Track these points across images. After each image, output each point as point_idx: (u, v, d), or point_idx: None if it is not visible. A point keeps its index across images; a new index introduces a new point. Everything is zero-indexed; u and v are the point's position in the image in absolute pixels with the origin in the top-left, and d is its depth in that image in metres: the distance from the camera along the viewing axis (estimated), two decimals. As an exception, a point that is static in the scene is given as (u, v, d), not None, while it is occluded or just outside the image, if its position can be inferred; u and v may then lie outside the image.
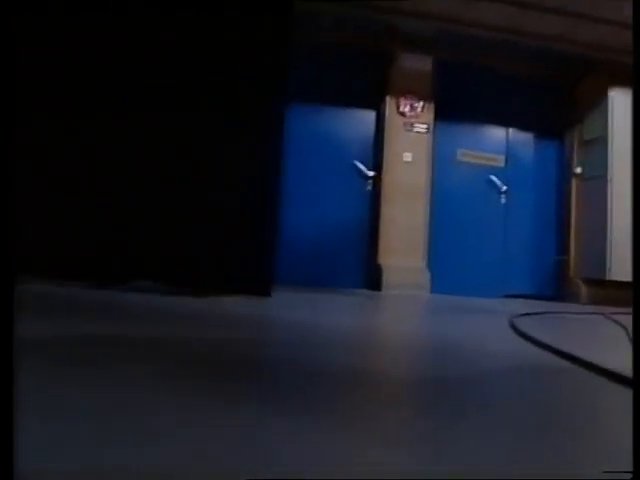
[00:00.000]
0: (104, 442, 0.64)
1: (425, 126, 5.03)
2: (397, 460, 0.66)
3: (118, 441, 0.65)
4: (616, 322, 2.92)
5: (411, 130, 4.99)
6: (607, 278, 4.94)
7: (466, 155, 5.25)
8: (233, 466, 0.60)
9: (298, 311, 2.77)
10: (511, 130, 5.42)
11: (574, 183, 5.50)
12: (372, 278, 4.81)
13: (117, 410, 0.78)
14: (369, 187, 4.98)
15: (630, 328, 2.07)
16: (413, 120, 5.00)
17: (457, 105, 5.11)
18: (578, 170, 5.47)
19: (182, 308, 2.40)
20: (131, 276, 2.93)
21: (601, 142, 5.17)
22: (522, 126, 5.44)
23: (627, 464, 0.36)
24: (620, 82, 4.90)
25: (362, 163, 4.98)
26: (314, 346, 1.59)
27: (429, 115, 5.06)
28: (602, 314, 3.42)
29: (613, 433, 0.86)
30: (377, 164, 4.98)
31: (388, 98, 5.00)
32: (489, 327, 2.48)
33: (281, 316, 2.48)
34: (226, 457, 0.62)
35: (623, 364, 1.19)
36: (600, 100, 5.20)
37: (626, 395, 1.00)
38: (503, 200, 5.29)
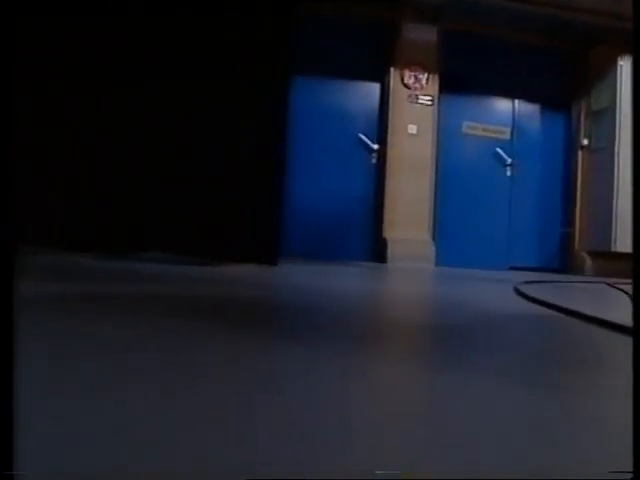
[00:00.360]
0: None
1: (430, 98, 4.99)
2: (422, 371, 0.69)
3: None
4: (620, 290, 2.94)
5: (416, 102, 4.95)
6: (612, 250, 4.94)
7: (472, 127, 5.21)
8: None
9: (306, 277, 2.82)
10: (517, 102, 5.36)
11: (581, 155, 5.46)
12: (377, 251, 4.84)
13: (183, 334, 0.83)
14: (374, 160, 4.97)
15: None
16: (418, 92, 4.96)
17: (462, 76, 5.05)
18: (585, 142, 5.42)
19: (194, 274, 2.46)
20: (141, 247, 2.98)
21: (609, 113, 5.12)
22: (529, 97, 5.38)
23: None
24: (631, 51, 4.81)
25: (367, 136, 4.97)
26: (328, 301, 1.64)
27: (434, 87, 5.01)
28: (606, 283, 3.44)
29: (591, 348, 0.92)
30: (382, 137, 4.96)
31: (392, 70, 4.95)
32: (493, 291, 2.52)
33: (289, 281, 2.54)
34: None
35: (621, 319, 1.23)
36: (609, 69, 5.12)
37: (614, 338, 1.05)
38: (509, 173, 5.26)
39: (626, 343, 1.08)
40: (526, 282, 2.84)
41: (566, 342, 1.16)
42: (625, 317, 1.28)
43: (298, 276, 2.83)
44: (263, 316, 1.32)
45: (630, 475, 0.29)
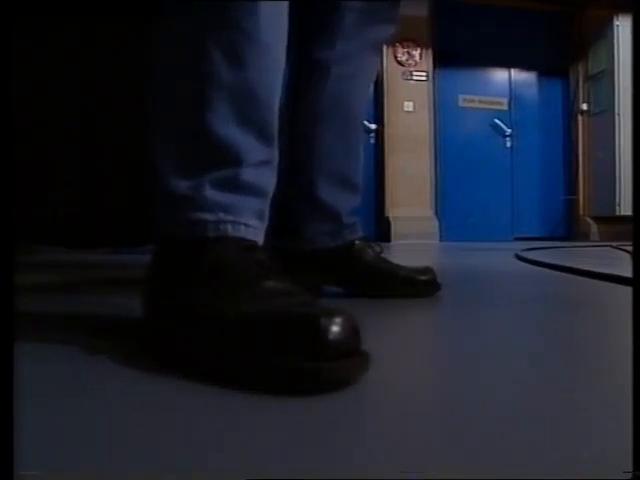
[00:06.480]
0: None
1: (424, 74, 4.95)
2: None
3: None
4: (624, 251, 2.94)
5: (410, 79, 4.92)
6: (617, 214, 4.91)
7: (468, 100, 5.17)
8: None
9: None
10: (514, 71, 5.30)
11: (581, 120, 5.41)
12: (381, 230, 4.86)
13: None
14: (372, 140, 4.96)
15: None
16: (412, 68, 4.93)
17: (457, 49, 5.00)
18: (584, 107, 5.36)
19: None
20: (145, 239, 3.01)
21: (607, 75, 5.05)
22: (525, 66, 5.31)
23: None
24: (626, 10, 4.73)
25: (363, 117, 4.94)
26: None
27: (428, 62, 4.97)
28: (611, 246, 3.43)
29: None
30: (378, 116, 4.94)
31: (385, 48, 4.90)
32: (495, 257, 2.53)
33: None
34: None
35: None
36: (605, 30, 5.04)
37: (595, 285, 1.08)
38: (509, 143, 5.23)
39: (600, 287, 1.11)
40: (529, 249, 2.85)
41: (545, 287, 1.29)
42: (617, 270, 1.30)
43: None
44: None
45: (630, 475, 0.30)
